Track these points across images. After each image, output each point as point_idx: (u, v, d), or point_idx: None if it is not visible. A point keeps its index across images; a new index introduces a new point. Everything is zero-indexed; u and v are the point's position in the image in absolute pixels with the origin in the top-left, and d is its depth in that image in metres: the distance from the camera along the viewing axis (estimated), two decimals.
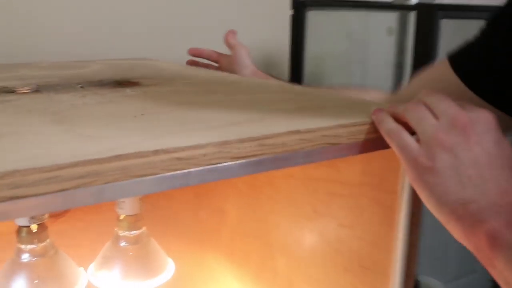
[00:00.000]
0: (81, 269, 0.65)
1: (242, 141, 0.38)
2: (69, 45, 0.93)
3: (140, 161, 0.34)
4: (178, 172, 0.35)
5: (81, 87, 0.61)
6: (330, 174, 0.58)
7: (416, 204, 0.50)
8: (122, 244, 0.67)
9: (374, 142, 0.45)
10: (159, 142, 0.36)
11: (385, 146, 0.45)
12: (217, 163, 0.37)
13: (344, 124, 0.43)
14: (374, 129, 0.44)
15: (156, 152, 0.34)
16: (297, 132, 0.40)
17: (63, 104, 0.51)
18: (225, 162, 0.37)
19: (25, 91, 0.58)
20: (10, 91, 0.58)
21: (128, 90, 0.59)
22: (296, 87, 0.63)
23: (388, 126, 0.43)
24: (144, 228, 0.68)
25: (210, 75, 0.75)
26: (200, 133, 0.39)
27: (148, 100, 0.53)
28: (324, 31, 1.17)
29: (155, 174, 0.34)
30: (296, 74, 1.09)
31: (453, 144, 0.40)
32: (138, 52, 0.98)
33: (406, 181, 0.48)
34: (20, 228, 0.60)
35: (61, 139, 0.37)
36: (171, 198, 0.83)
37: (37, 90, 0.59)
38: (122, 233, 0.67)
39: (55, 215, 0.77)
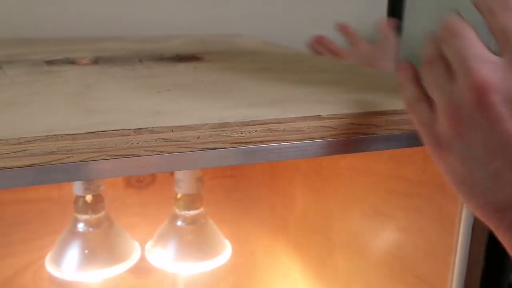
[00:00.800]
0: (136, 243, 0.65)
1: (244, 124, 0.33)
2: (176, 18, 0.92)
3: (121, 140, 0.31)
4: (168, 154, 0.32)
5: (140, 60, 0.60)
6: (391, 168, 0.51)
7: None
8: (179, 223, 0.66)
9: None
10: (151, 120, 0.32)
11: None
12: (213, 148, 0.32)
13: (382, 111, 0.36)
14: None
15: (139, 131, 0.31)
16: (319, 117, 0.34)
17: (104, 76, 0.49)
18: (220, 148, 0.33)
19: (84, 63, 0.58)
20: (71, 62, 0.58)
21: (182, 66, 0.57)
22: (368, 69, 0.56)
23: (407, 94, 0.34)
24: (202, 209, 0.66)
25: (284, 52, 0.70)
26: (202, 113, 0.35)
27: (189, 76, 0.50)
28: (426, 9, 1.04)
29: (136, 155, 0.31)
30: None
31: (471, 125, 0.29)
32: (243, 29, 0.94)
33: None
34: (76, 198, 0.61)
35: (61, 111, 0.35)
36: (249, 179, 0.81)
37: (95, 61, 0.59)
38: (179, 212, 0.66)
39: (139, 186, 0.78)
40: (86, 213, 0.61)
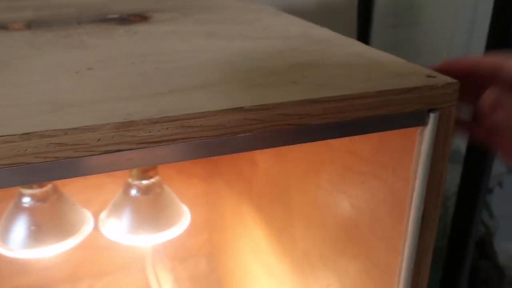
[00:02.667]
0: (88, 215, 0.62)
1: (152, 121, 0.29)
2: None
3: (6, 147, 0.27)
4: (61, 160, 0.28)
5: (78, 23, 0.55)
6: (348, 145, 0.47)
7: (432, 199, 0.38)
8: (133, 193, 0.62)
9: (365, 122, 0.33)
10: (47, 119, 0.28)
11: (378, 129, 0.33)
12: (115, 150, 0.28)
13: (317, 98, 0.32)
14: (360, 105, 0.33)
15: (26, 137, 0.27)
16: (241, 109, 0.30)
17: (28, 49, 0.45)
18: (126, 149, 0.29)
19: (16, 28, 0.53)
20: (3, 26, 0.53)
21: (122, 30, 0.51)
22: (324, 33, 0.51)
23: None
24: (157, 177, 0.63)
25: (243, 8, 0.65)
26: (108, 107, 0.30)
27: (123, 46, 0.45)
28: None
29: (25, 163, 0.27)
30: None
31: None
32: None
33: (421, 169, 0.37)
34: None
35: None
36: None
37: (28, 26, 0.53)
38: (132, 182, 0.62)
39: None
40: (30, 187, 0.57)
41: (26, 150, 0.27)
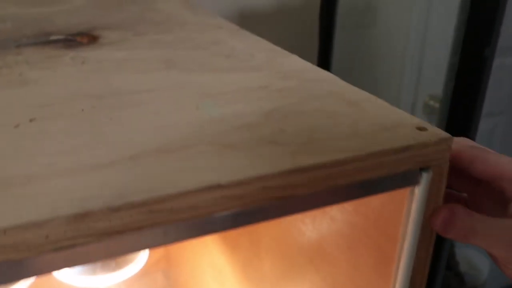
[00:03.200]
0: None
1: (113, 209, 0.24)
2: None
3: None
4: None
5: (17, 46, 0.48)
6: None
7: (422, 256, 0.35)
8: None
9: (352, 187, 0.30)
10: None
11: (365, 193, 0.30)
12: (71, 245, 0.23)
13: (303, 167, 0.28)
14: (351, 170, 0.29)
15: None
16: (218, 187, 0.26)
17: None
18: (81, 244, 0.24)
19: None
20: None
21: (68, 58, 0.45)
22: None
23: None
24: None
25: (204, 23, 0.60)
26: (56, 188, 0.25)
27: (72, 82, 0.40)
28: None
29: None
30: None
31: None
32: None
33: (411, 228, 0.33)
34: None
35: None
36: None
37: None
38: None
39: None
40: None
41: None
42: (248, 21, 0.60)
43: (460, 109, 0.68)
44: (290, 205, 0.28)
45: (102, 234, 0.24)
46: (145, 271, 0.89)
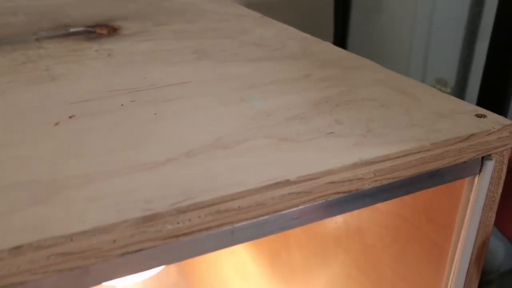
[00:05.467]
0: None
1: (176, 212, 0.22)
2: None
3: None
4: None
5: (36, 39, 0.46)
6: None
7: (478, 249, 0.34)
8: None
9: (416, 179, 0.28)
10: (36, 217, 0.21)
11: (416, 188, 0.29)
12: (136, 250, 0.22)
13: (369, 160, 0.26)
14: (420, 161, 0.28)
15: (17, 252, 0.20)
16: (286, 182, 0.24)
17: None
18: (149, 248, 0.22)
19: None
20: None
21: (93, 51, 0.44)
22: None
23: None
24: None
25: (228, 12, 0.58)
26: (116, 191, 0.24)
27: (100, 75, 0.38)
28: None
29: (19, 283, 0.20)
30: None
31: None
32: None
33: (469, 220, 0.32)
34: None
35: None
36: None
37: None
38: None
39: None
40: None
41: (19, 267, 0.20)
42: (256, 8, 0.58)
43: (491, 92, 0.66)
44: (355, 200, 0.27)
45: (169, 237, 0.22)
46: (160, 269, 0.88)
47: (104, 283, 0.23)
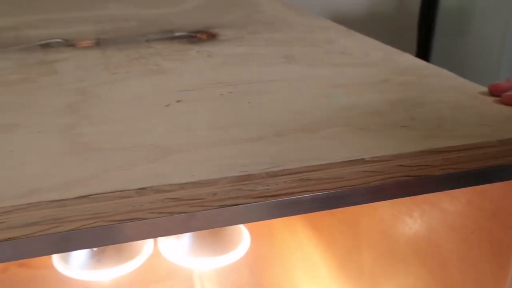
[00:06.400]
0: None
1: (272, 174, 0.27)
2: None
3: (121, 203, 0.25)
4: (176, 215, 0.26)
5: (147, 41, 0.53)
6: None
7: None
8: None
9: (481, 172, 0.31)
10: (156, 168, 0.26)
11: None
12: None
13: (437, 149, 0.30)
14: (490, 154, 0.31)
15: (142, 192, 0.25)
16: (361, 161, 0.28)
17: (104, 73, 0.43)
18: (241, 204, 0.27)
19: (84, 46, 0.51)
20: (70, 44, 0.52)
21: (194, 52, 0.50)
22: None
23: None
24: None
25: (312, 24, 0.62)
26: (217, 154, 0.28)
27: (203, 71, 0.43)
28: None
29: (139, 218, 0.25)
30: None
31: None
32: None
33: None
34: None
35: (47, 154, 0.29)
36: None
37: (97, 43, 0.52)
38: None
39: None
40: None
41: (141, 205, 0.25)
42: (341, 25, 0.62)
43: None
44: (423, 185, 0.30)
45: (259, 197, 0.27)
46: (232, 267, 0.93)
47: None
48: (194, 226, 0.27)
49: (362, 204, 0.29)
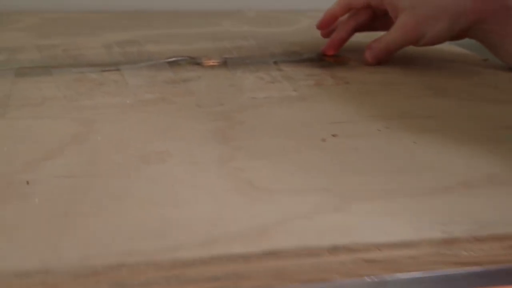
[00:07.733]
0: None
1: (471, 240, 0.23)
2: None
3: (308, 262, 0.22)
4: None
5: (275, 62, 0.50)
6: None
7: None
8: None
9: None
10: (336, 222, 0.23)
11: None
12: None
13: None
14: None
15: (334, 251, 0.22)
16: None
17: (241, 98, 0.40)
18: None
19: (211, 65, 0.49)
20: (196, 63, 0.50)
21: (329, 74, 0.46)
22: None
23: None
24: None
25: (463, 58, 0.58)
26: (405, 210, 0.25)
27: (346, 101, 0.40)
28: None
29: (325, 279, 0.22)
30: None
31: None
32: None
33: None
34: None
35: (215, 193, 0.27)
36: None
37: (224, 63, 0.50)
38: None
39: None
40: None
41: (330, 265, 0.22)
42: None
43: None
44: None
45: (461, 263, 0.23)
46: None
47: None
48: None
49: None
